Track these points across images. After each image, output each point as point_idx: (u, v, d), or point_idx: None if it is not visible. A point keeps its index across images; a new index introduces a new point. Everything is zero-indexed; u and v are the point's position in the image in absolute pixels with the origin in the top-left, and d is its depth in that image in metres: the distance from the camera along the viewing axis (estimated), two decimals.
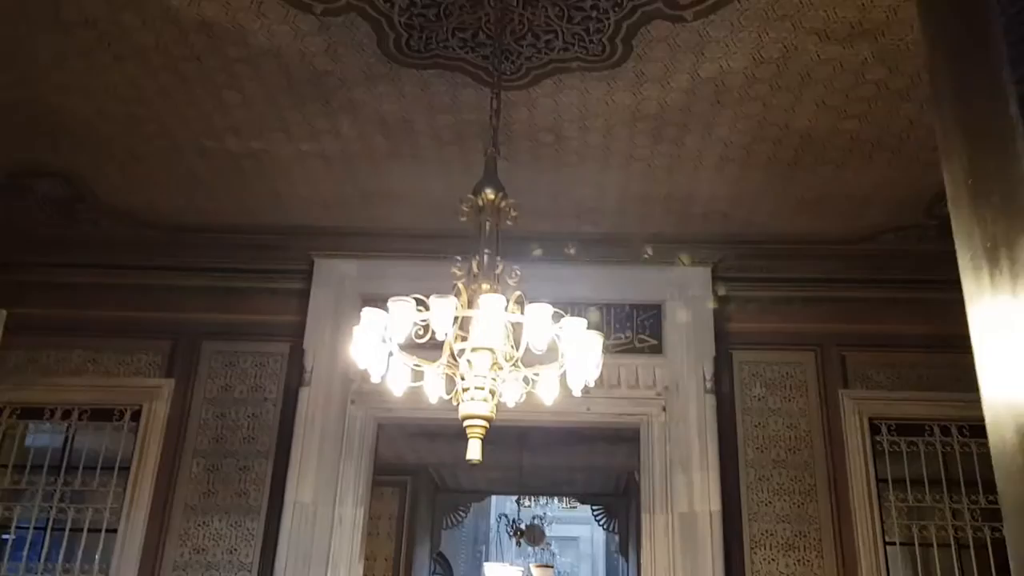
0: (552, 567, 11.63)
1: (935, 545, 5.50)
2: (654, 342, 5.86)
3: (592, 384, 3.22)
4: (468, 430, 3.05)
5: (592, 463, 9.11)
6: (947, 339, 5.99)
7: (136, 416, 5.83)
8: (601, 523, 10.68)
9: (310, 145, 4.80)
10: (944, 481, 5.65)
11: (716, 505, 5.41)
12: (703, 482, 5.46)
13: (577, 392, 3.28)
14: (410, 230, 5.62)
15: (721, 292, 5.99)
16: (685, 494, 5.47)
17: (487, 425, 3.08)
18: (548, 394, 3.31)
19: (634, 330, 5.88)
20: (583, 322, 3.05)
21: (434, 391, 3.31)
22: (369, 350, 3.05)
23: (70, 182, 5.33)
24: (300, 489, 5.45)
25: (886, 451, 5.69)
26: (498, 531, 13.73)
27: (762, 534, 5.50)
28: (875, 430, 5.74)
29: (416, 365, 3.18)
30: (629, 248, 5.86)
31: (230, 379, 5.94)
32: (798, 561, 5.43)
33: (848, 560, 5.41)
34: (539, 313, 2.91)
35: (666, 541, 5.39)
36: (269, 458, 5.70)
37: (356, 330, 3.07)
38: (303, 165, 5.02)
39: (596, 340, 3.12)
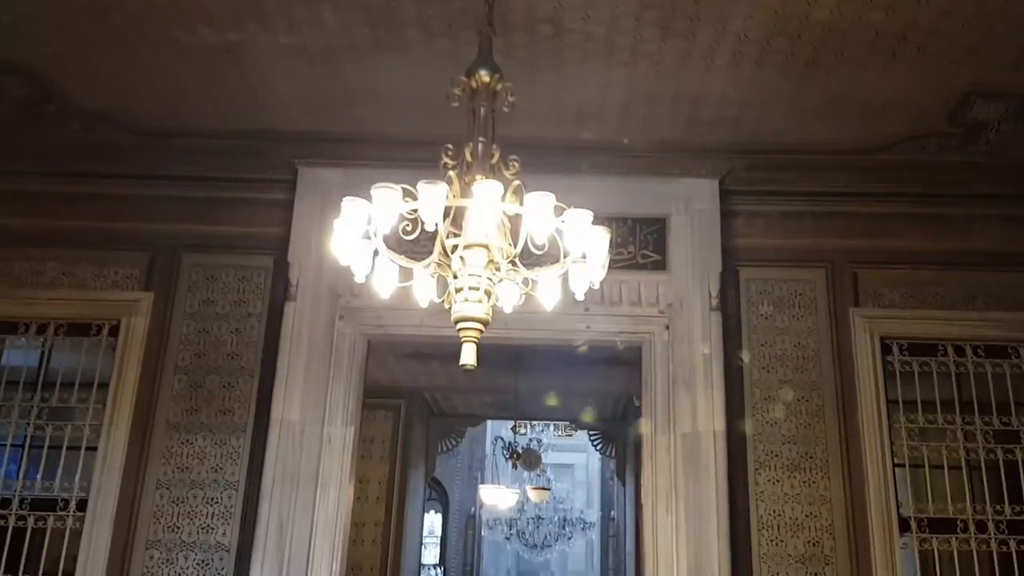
0: (548, 489, 11.59)
1: (945, 467, 5.31)
2: (657, 258, 5.58)
3: (597, 285, 2.94)
4: (461, 333, 2.78)
5: (590, 387, 8.92)
6: (964, 256, 5.78)
7: (114, 331, 5.57)
8: (598, 448, 10.56)
9: (289, 37, 4.44)
10: (957, 402, 5.44)
11: (720, 425, 5.20)
12: (707, 401, 5.24)
13: (580, 295, 3.01)
14: (399, 136, 5.28)
15: (729, 205, 5.69)
16: (688, 414, 5.25)
17: (481, 328, 2.81)
18: (548, 298, 3.04)
19: (637, 245, 5.59)
20: (588, 214, 2.75)
21: (424, 293, 3.03)
22: (352, 245, 2.76)
23: (35, 80, 4.97)
24: (287, 407, 5.22)
25: (897, 371, 5.47)
26: (494, 456, 13.70)
27: (767, 455, 5.30)
28: (886, 350, 5.51)
29: (404, 263, 2.87)
30: (632, 158, 5.53)
31: (212, 293, 5.66)
32: (804, 482, 5.24)
33: (855, 481, 5.22)
34: (540, 201, 2.61)
35: (668, 462, 5.19)
36: (254, 375, 5.46)
37: (337, 223, 2.76)
38: (283, 61, 4.66)
39: (602, 235, 2.83)
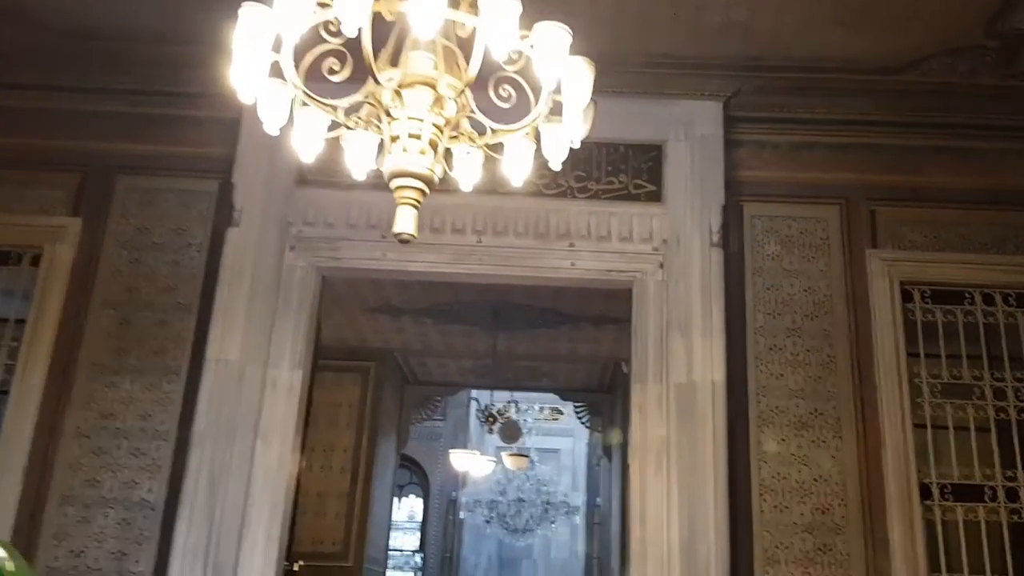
0: (527, 456, 10.96)
1: (972, 428, 4.69)
2: (652, 188, 4.94)
3: (577, 143, 2.29)
4: (397, 194, 2.12)
5: (575, 351, 8.28)
6: (997, 194, 5.13)
7: (36, 260, 4.91)
8: (584, 421, 9.95)
9: None
10: (985, 356, 4.82)
11: (720, 375, 4.57)
12: (705, 348, 4.61)
13: (556, 163, 2.35)
14: None
15: (733, 134, 5.05)
16: (683, 362, 4.61)
17: (424, 190, 2.14)
18: (516, 167, 2.37)
19: (629, 174, 4.95)
20: (564, 34, 2.09)
21: (359, 158, 2.36)
22: (253, 67, 2.09)
23: None
24: (224, 345, 4.56)
25: (919, 320, 4.85)
26: (480, 431, 13.02)
27: (772, 410, 4.67)
28: (907, 296, 4.88)
29: (329, 104, 2.21)
30: (627, 74, 4.88)
31: (148, 220, 4.99)
32: (813, 442, 4.62)
33: (871, 442, 4.61)
34: (500, 4, 1.95)
35: (660, 415, 4.56)
36: (192, 312, 4.80)
37: (233, 38, 2.10)
38: None
39: (584, 70, 2.17)
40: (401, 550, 20.09)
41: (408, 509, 20.52)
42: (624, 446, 8.39)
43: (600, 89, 4.80)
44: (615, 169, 4.94)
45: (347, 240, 4.80)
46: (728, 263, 4.86)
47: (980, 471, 4.62)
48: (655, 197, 4.91)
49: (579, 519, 17.88)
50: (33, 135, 5.10)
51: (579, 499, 16.93)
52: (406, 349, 8.46)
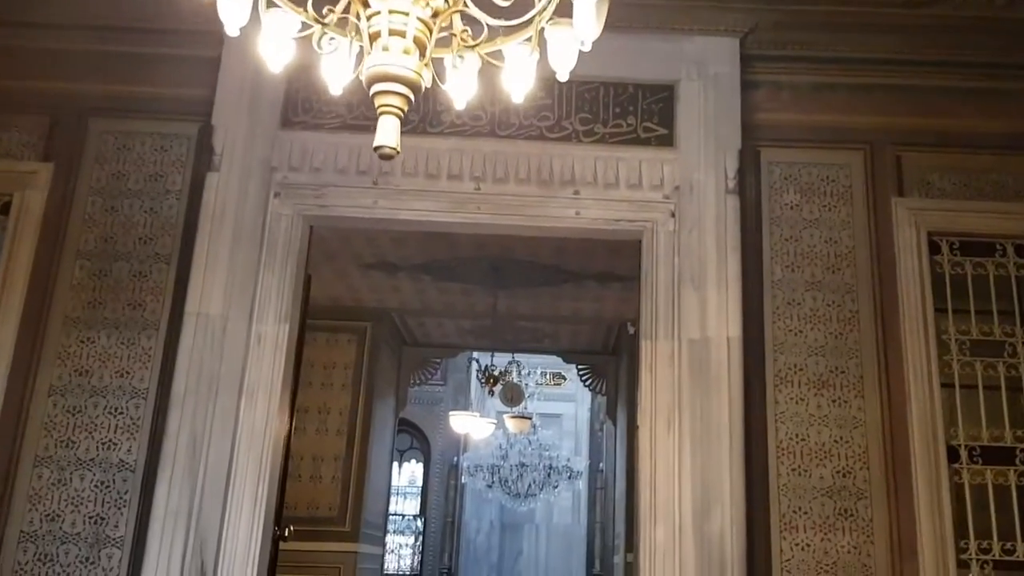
0: (529, 419, 10.71)
1: (1003, 387, 4.40)
2: (663, 132, 4.61)
3: (588, 46, 1.96)
4: (378, 101, 1.80)
5: (579, 311, 7.98)
6: None
7: (6, 208, 4.59)
8: (587, 383, 9.69)
9: None
10: (1017, 312, 4.52)
11: (736, 330, 4.28)
12: (720, 302, 4.31)
13: (563, 72, 2.03)
14: None
15: (749, 73, 4.71)
16: (696, 317, 4.32)
17: (408, 96, 1.82)
18: (517, 82, 2.05)
19: (638, 116, 4.62)
20: None
21: (335, 70, 2.04)
22: None
23: None
24: (205, 298, 4.27)
25: (947, 273, 4.55)
26: (481, 395, 12.75)
27: (790, 369, 4.38)
28: (934, 248, 4.57)
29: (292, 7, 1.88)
30: (635, 8, 4.53)
31: (123, 165, 4.68)
32: (833, 402, 4.33)
33: (896, 402, 4.32)
34: None
35: (671, 373, 4.27)
36: (171, 263, 4.50)
37: None
38: None
39: None
40: (403, 515, 20.00)
41: (409, 474, 20.39)
42: (630, 408, 8.13)
43: (607, 24, 4.49)
44: (623, 111, 4.62)
45: (335, 187, 4.49)
46: (744, 213, 4.55)
47: (1011, 432, 4.34)
48: (666, 141, 4.59)
49: (582, 484, 17.72)
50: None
51: (582, 464, 16.74)
52: (403, 309, 8.16)
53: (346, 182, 4.49)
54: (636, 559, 4.17)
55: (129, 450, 4.27)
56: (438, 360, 9.63)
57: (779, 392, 4.36)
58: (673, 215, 4.50)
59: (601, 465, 19.14)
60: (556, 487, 16.49)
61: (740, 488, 4.05)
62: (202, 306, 4.25)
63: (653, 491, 4.12)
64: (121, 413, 4.31)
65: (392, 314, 8.41)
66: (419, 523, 19.84)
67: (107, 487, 4.22)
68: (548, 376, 17.61)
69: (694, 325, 4.31)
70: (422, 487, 20.13)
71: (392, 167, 4.43)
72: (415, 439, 20.45)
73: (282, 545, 7.39)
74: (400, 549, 19.73)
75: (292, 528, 4.91)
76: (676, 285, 4.39)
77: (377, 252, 6.54)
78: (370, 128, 2.06)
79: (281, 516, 4.89)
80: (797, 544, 4.15)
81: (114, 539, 4.16)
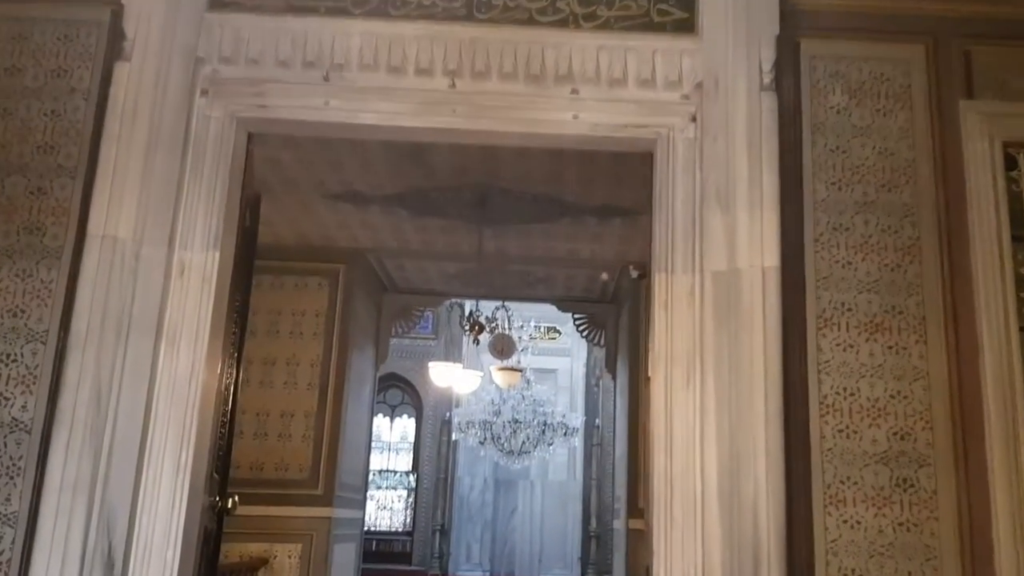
0: (521, 371, 9.95)
1: None
2: (682, 15, 3.76)
3: None
4: None
5: (575, 252, 7.16)
6: None
7: None
8: (584, 334, 8.90)
9: None
10: None
11: (772, 259, 3.47)
12: (753, 226, 3.49)
13: None
14: None
15: None
16: (723, 244, 3.50)
17: None
18: None
19: None
20: None
21: None
22: None
23: None
24: (112, 217, 3.43)
25: None
26: (475, 349, 11.95)
27: (836, 308, 3.57)
28: (1011, 162, 3.73)
29: None
30: None
31: (19, 58, 3.80)
32: (889, 347, 3.53)
33: (965, 348, 3.52)
34: None
35: (691, 314, 3.46)
36: (77, 177, 3.64)
37: None
38: None
39: None
40: (395, 471, 19.46)
41: (401, 429, 19.84)
42: (632, 361, 7.36)
43: None
44: None
45: (277, 82, 3.64)
46: (780, 118, 3.71)
47: None
48: (686, 27, 3.73)
49: (577, 441, 17.11)
50: None
51: (577, 420, 16.09)
52: (379, 249, 7.33)
53: (290, 77, 3.64)
54: (649, 537, 3.40)
55: (24, 407, 3.45)
56: (421, 309, 8.82)
57: (823, 337, 3.55)
58: (694, 119, 3.66)
59: (597, 421, 18.53)
60: (551, 444, 15.85)
61: (778, 452, 3.27)
62: (108, 227, 3.41)
63: (669, 456, 3.33)
64: (14, 361, 3.48)
65: (367, 255, 7.57)
66: (411, 479, 19.32)
67: None
68: (542, 330, 16.89)
69: (720, 254, 3.50)
70: (414, 443, 19.58)
71: (347, 58, 3.57)
72: (406, 394, 19.85)
73: (246, 511, 6.69)
74: (393, 505, 19.28)
75: (237, 499, 4.12)
76: (698, 205, 3.57)
77: (343, 179, 5.69)
78: (319, 10, 1.30)
79: (225, 484, 4.13)
80: (845, 521, 3.37)
81: (5, 516, 3.36)
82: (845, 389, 3.49)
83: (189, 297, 3.47)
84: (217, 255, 3.53)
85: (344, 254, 7.32)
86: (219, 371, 3.72)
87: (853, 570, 3.32)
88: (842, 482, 3.40)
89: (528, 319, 13.95)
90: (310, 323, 7.25)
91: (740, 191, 3.53)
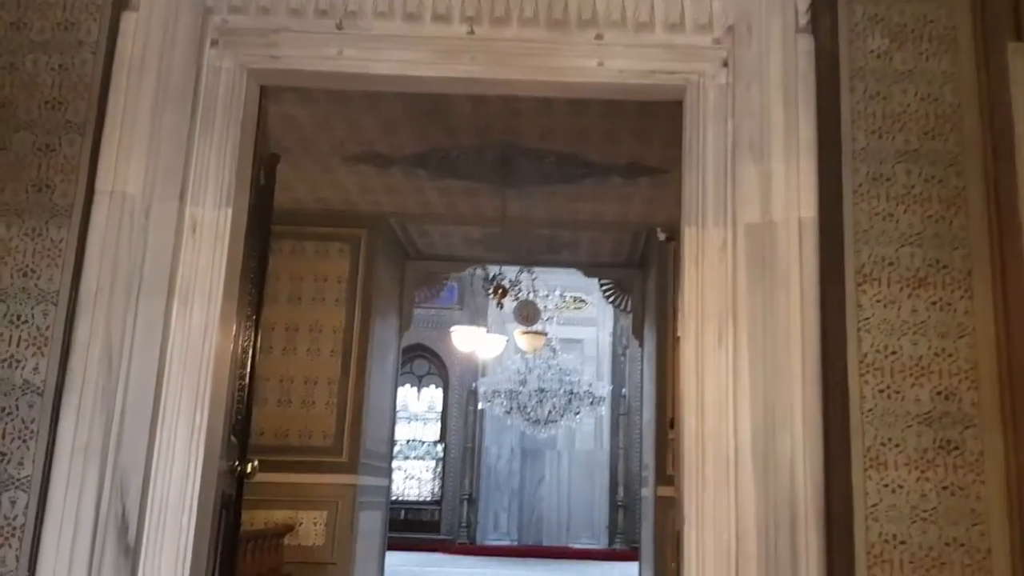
0: (545, 335, 9.81)
1: None
2: None
3: None
4: None
5: (600, 215, 6.99)
6: None
7: None
8: (611, 299, 8.74)
9: None
10: None
11: (809, 211, 3.30)
12: (789, 176, 3.32)
13: None
14: None
15: None
16: (757, 195, 3.33)
17: None
18: None
19: None
20: None
21: None
22: None
23: None
24: (120, 172, 3.32)
25: None
26: (500, 318, 11.84)
27: (877, 263, 3.39)
28: None
29: None
30: None
31: (25, 13, 3.67)
32: (933, 303, 3.35)
33: (1013, 303, 3.32)
34: None
35: (723, 269, 3.31)
36: (86, 133, 3.52)
37: None
38: None
39: None
40: (422, 440, 19.53)
41: (428, 400, 19.89)
42: (659, 326, 7.20)
43: None
44: None
45: (289, 31, 3.49)
46: (817, 63, 3.52)
47: None
48: None
49: (604, 410, 17.02)
50: None
51: (604, 389, 15.97)
52: (402, 213, 7.20)
53: (303, 26, 3.49)
54: (680, 501, 3.27)
55: (36, 368, 3.36)
56: (446, 276, 8.69)
57: (863, 293, 3.37)
58: (725, 64, 3.48)
59: (624, 391, 18.44)
60: (578, 413, 15.77)
61: (816, 414, 3.12)
62: (116, 183, 3.31)
63: (700, 417, 3.19)
64: (25, 322, 3.40)
65: (390, 220, 7.45)
66: (439, 449, 19.37)
67: (9, 415, 3.32)
68: (568, 299, 16.75)
69: (754, 206, 3.33)
70: (441, 413, 19.62)
71: (360, 5, 3.42)
72: (433, 365, 19.87)
73: (270, 478, 6.66)
74: (420, 475, 19.37)
75: (256, 463, 4.03)
76: (730, 155, 3.40)
77: (362, 139, 5.55)
78: None
79: (244, 449, 4.05)
80: (886, 485, 3.21)
81: (18, 479, 3.29)
82: (886, 347, 3.31)
83: (201, 255, 3.36)
84: (230, 212, 3.41)
85: (366, 219, 7.21)
86: (234, 333, 3.62)
87: (894, 535, 3.17)
88: (883, 444, 3.24)
89: (554, 288, 13.81)
90: (332, 289, 7.15)
91: (775, 139, 3.35)
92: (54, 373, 3.34)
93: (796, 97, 3.38)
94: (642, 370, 8.64)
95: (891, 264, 3.39)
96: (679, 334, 3.43)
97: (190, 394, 3.28)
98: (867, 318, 3.34)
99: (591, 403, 15.05)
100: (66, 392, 3.19)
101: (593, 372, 17.80)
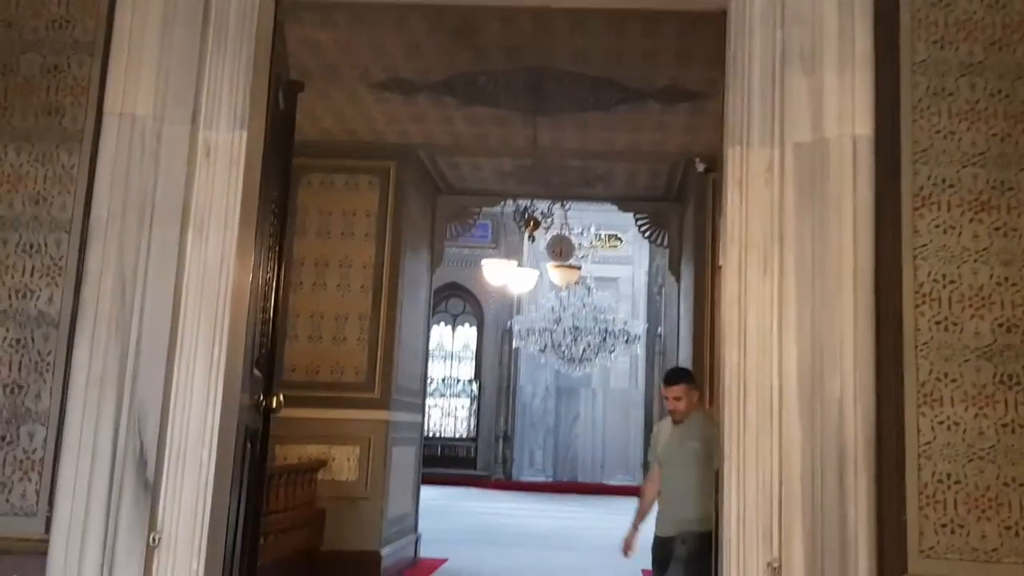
0: (578, 268, 9.60)
1: None
2: None
3: None
4: None
5: (637, 144, 6.71)
6: None
7: None
8: (646, 234, 8.49)
9: None
10: None
11: (865, 127, 3.04)
12: (843, 89, 3.06)
13: None
14: None
15: None
16: (808, 111, 3.08)
17: None
18: None
19: None
20: None
21: None
22: None
23: None
24: (129, 94, 3.16)
25: None
26: (534, 256, 11.64)
27: (936, 184, 3.14)
28: None
29: None
30: None
31: None
32: (995, 229, 3.10)
33: None
34: None
35: (769, 192, 3.08)
36: (95, 53, 3.36)
37: None
38: None
39: None
40: (458, 379, 19.62)
41: (463, 338, 19.91)
42: (697, 261, 6.97)
43: None
44: None
45: None
46: None
47: None
48: None
49: (639, 349, 16.87)
50: None
51: (639, 328, 15.78)
52: (431, 144, 6.97)
53: None
54: (719, 439, 3.10)
55: (50, 299, 3.26)
56: (477, 210, 8.49)
57: (919, 218, 3.13)
58: None
59: (660, 330, 18.23)
60: (612, 352, 15.62)
61: (868, 347, 2.91)
62: (125, 105, 3.14)
63: (742, 352, 3.00)
64: (38, 251, 3.28)
65: (419, 152, 7.23)
66: (474, 387, 19.45)
67: (24, 347, 3.24)
68: (603, 237, 16.49)
69: (804, 123, 3.08)
70: (476, 352, 19.65)
71: None
72: (467, 303, 19.83)
73: (303, 413, 6.62)
74: (456, 412, 19.51)
75: (282, 398, 3.93)
76: (778, 68, 3.14)
77: (387, 65, 5.32)
78: None
79: (270, 384, 3.94)
80: (941, 422, 3.01)
81: (36, 413, 3.21)
82: (944, 276, 3.09)
83: (216, 180, 3.19)
84: (244, 135, 3.23)
85: (394, 151, 7.00)
86: (254, 264, 3.47)
87: (949, 475, 2.98)
88: (938, 379, 3.03)
89: (588, 225, 13.56)
90: (361, 223, 6.99)
91: (828, 49, 3.08)
92: (69, 304, 3.23)
93: (851, 2, 3.09)
94: (679, 307, 8.42)
95: (951, 186, 3.14)
96: (720, 263, 3.22)
97: (208, 326, 3.15)
98: (924, 245, 3.11)
99: (626, 341, 14.90)
100: (79, 323, 3.08)
101: (628, 311, 17.63)
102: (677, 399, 4.64)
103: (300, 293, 6.96)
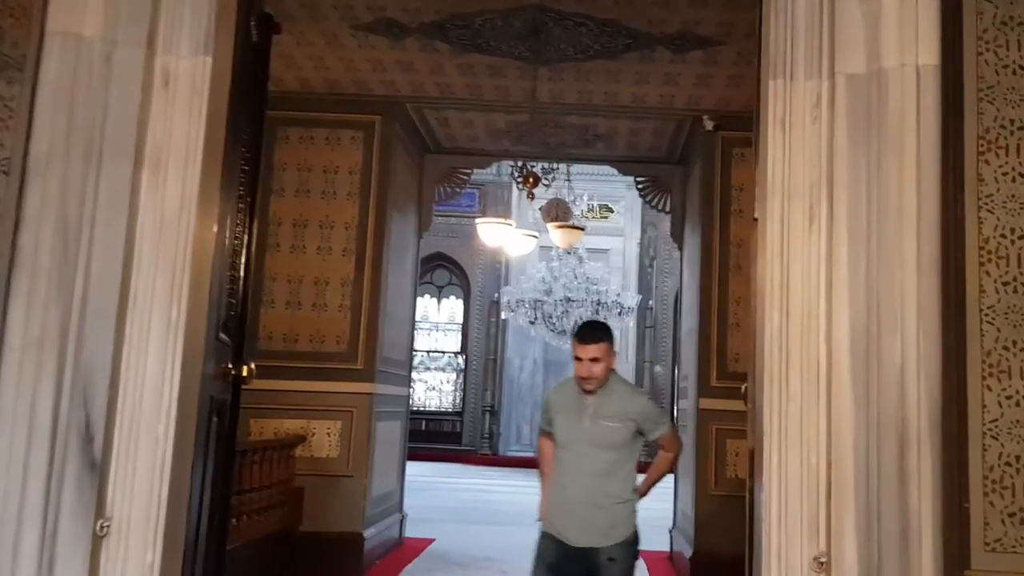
0: (583, 229, 9.18)
1: None
2: None
3: None
4: None
5: (642, 98, 6.27)
6: None
7: None
8: (647, 199, 8.06)
9: None
10: None
11: (930, 57, 2.63)
12: (904, 15, 2.65)
13: None
14: None
15: None
16: (862, 37, 2.67)
17: None
18: None
19: None
20: None
21: None
22: None
23: None
24: (75, 10, 2.70)
25: None
26: (528, 225, 11.21)
27: (1003, 126, 2.74)
28: None
29: None
30: None
31: None
32: None
33: None
34: None
35: (816, 132, 2.67)
36: None
37: None
38: None
39: None
40: (443, 351, 19.24)
41: (448, 310, 19.52)
42: (704, 228, 6.58)
43: None
44: None
45: None
46: None
47: None
48: None
49: (631, 322, 16.51)
50: None
51: (632, 300, 15.41)
52: (419, 97, 6.49)
53: None
54: (756, 415, 2.71)
55: None
56: (467, 170, 8.03)
57: (985, 164, 2.73)
58: None
59: (651, 303, 17.92)
60: None
61: (933, 311, 2.52)
62: (70, 22, 2.69)
63: (784, 314, 2.60)
64: None
65: (406, 105, 6.75)
66: (460, 360, 19.09)
67: None
68: (595, 208, 16.08)
69: (858, 52, 2.67)
70: (462, 324, 19.27)
71: None
72: (454, 275, 19.41)
73: (280, 385, 6.20)
74: (441, 386, 19.14)
75: (253, 367, 3.51)
76: None
77: (373, 2, 4.85)
78: None
79: (240, 351, 3.52)
80: (1008, 396, 2.63)
81: None
82: (1013, 231, 2.70)
83: (176, 112, 2.75)
84: (209, 61, 2.79)
85: (380, 104, 6.52)
86: (220, 213, 3.04)
87: (1017, 457, 2.60)
88: (1006, 348, 2.65)
89: (581, 194, 13.14)
90: (344, 182, 6.52)
91: None
92: (5, 255, 2.78)
93: None
94: (681, 276, 8.02)
95: (1021, 128, 2.74)
96: (758, 215, 2.81)
97: (165, 281, 2.72)
98: (990, 195, 2.71)
99: (619, 313, 14.50)
100: (15, 275, 2.63)
101: (619, 283, 17.28)
102: (594, 361, 3.49)
103: (277, 256, 6.50)
